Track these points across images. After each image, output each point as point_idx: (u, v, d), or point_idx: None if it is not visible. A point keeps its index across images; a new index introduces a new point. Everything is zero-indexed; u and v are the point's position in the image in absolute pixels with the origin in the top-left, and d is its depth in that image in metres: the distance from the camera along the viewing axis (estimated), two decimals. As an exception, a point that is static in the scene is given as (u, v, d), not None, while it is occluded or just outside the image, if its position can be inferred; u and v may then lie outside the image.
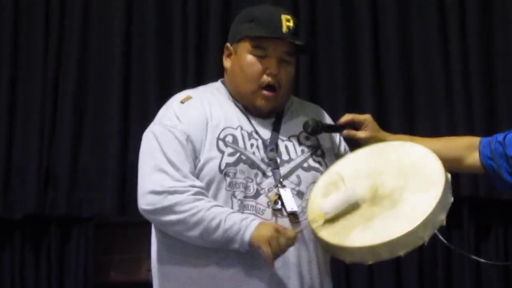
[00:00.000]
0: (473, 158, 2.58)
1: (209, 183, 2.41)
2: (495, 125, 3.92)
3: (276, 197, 2.41)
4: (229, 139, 2.45)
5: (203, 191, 2.38)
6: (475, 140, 2.62)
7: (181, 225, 2.35)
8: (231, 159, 2.42)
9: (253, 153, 2.44)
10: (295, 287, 2.40)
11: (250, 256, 2.36)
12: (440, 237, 2.36)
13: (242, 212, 2.38)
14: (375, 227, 2.25)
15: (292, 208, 2.39)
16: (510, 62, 4.03)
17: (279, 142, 2.50)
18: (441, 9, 4.04)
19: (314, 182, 2.47)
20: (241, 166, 2.41)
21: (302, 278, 2.42)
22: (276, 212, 2.40)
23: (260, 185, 2.42)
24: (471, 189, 3.88)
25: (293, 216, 2.40)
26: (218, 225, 2.32)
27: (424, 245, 2.24)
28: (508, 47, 4.04)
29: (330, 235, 2.30)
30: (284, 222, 2.39)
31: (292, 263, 2.40)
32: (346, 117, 2.59)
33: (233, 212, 2.36)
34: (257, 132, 2.49)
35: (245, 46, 2.50)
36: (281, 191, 2.41)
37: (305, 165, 2.49)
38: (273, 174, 2.43)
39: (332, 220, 2.33)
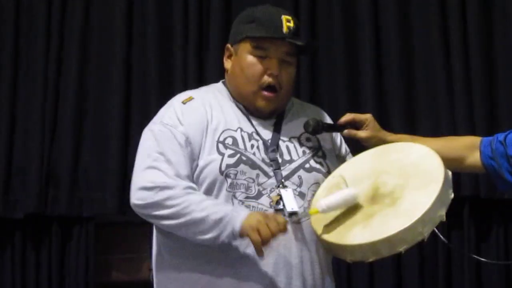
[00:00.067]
0: (474, 158, 2.58)
1: (211, 185, 2.41)
2: (495, 124, 3.92)
3: (278, 197, 2.41)
4: (229, 141, 2.45)
5: (194, 187, 2.38)
6: (476, 140, 2.62)
7: (173, 219, 2.35)
8: (232, 160, 2.41)
9: (254, 153, 2.44)
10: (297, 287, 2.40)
11: (251, 257, 2.36)
12: (440, 235, 2.36)
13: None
14: (375, 225, 2.26)
15: (293, 208, 2.39)
16: (510, 62, 4.03)
17: (280, 142, 2.50)
18: (442, 9, 4.05)
19: (315, 183, 2.47)
20: (242, 167, 2.41)
21: (304, 278, 2.42)
22: (278, 212, 2.39)
23: (262, 186, 2.41)
24: (472, 188, 3.88)
25: (295, 217, 2.39)
26: (208, 217, 2.31)
27: (424, 241, 2.24)
28: (508, 46, 4.04)
29: (331, 234, 2.31)
30: (286, 222, 2.40)
31: (295, 264, 2.40)
32: (347, 117, 2.59)
33: (223, 204, 2.36)
34: (257, 133, 2.49)
35: (245, 46, 2.50)
36: (283, 191, 2.41)
37: (307, 166, 2.49)
38: (275, 175, 2.43)
39: (333, 220, 2.33)
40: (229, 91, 2.56)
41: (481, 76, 3.99)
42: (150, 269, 2.59)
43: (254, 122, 2.51)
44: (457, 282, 3.95)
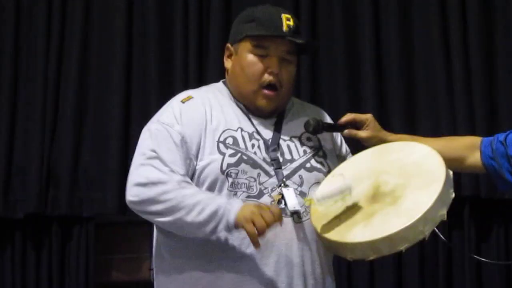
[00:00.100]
0: (474, 158, 2.58)
1: (212, 184, 2.40)
2: (496, 125, 3.92)
3: (279, 196, 2.41)
4: (230, 141, 2.45)
5: (188, 181, 2.38)
6: (476, 140, 2.62)
7: (168, 215, 2.34)
8: (232, 160, 2.41)
9: (255, 153, 2.44)
10: (298, 287, 2.40)
11: (252, 257, 2.36)
12: (440, 234, 2.36)
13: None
14: (376, 223, 2.26)
15: (294, 207, 2.39)
16: (511, 62, 4.03)
17: (281, 142, 2.50)
18: (442, 9, 4.04)
19: (316, 182, 2.47)
20: (243, 166, 2.41)
21: (305, 278, 2.41)
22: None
23: (263, 185, 2.41)
24: (472, 189, 3.88)
25: (296, 216, 2.40)
26: (203, 211, 2.31)
27: (425, 240, 2.25)
28: (508, 46, 4.04)
29: (332, 232, 2.31)
30: (288, 221, 2.39)
31: (296, 263, 2.40)
32: (348, 117, 2.59)
33: (218, 197, 2.36)
34: (258, 133, 2.49)
35: (245, 45, 2.51)
36: (284, 190, 2.41)
37: (308, 165, 2.49)
38: (276, 174, 2.43)
39: (334, 218, 2.33)
40: (229, 90, 2.56)
41: (481, 76, 3.99)
42: (150, 269, 2.59)
43: (255, 122, 2.51)
44: (457, 282, 3.95)
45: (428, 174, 2.31)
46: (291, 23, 2.49)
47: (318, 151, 2.55)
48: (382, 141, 2.57)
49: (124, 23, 4.09)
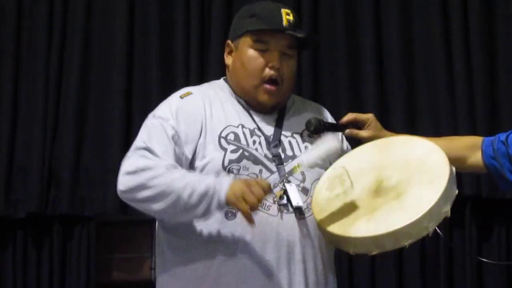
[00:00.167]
0: (476, 158, 2.58)
1: (214, 181, 2.41)
2: (497, 124, 3.92)
3: (282, 192, 2.40)
4: (231, 137, 2.45)
5: (175, 165, 2.38)
6: (477, 140, 2.62)
7: (158, 199, 2.33)
8: (234, 156, 2.42)
9: (256, 149, 2.44)
10: (300, 284, 2.40)
11: (254, 254, 2.36)
12: (441, 233, 2.36)
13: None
14: (379, 218, 2.25)
15: (297, 203, 2.39)
16: (511, 62, 4.03)
17: (283, 138, 2.50)
18: (443, 9, 4.05)
19: (318, 178, 2.47)
20: (245, 162, 2.41)
21: (307, 274, 2.41)
22: (282, 207, 2.39)
23: (266, 181, 2.42)
24: (474, 188, 3.88)
25: (299, 211, 2.40)
26: (193, 193, 2.30)
27: (428, 236, 2.24)
28: (510, 46, 4.04)
29: (334, 226, 2.31)
30: (290, 217, 2.39)
31: (297, 260, 2.40)
32: (349, 116, 2.59)
33: (206, 177, 2.35)
34: (259, 129, 2.49)
35: (246, 41, 2.51)
36: (287, 186, 2.41)
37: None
38: (278, 170, 2.43)
39: (336, 212, 2.33)
40: (230, 87, 2.56)
41: (483, 76, 3.99)
42: (151, 268, 2.58)
43: (256, 118, 2.51)
44: (458, 281, 3.94)
45: (432, 170, 2.31)
46: (291, 17, 2.50)
47: (320, 147, 2.55)
48: (384, 141, 2.57)
49: (126, 22, 4.10)
